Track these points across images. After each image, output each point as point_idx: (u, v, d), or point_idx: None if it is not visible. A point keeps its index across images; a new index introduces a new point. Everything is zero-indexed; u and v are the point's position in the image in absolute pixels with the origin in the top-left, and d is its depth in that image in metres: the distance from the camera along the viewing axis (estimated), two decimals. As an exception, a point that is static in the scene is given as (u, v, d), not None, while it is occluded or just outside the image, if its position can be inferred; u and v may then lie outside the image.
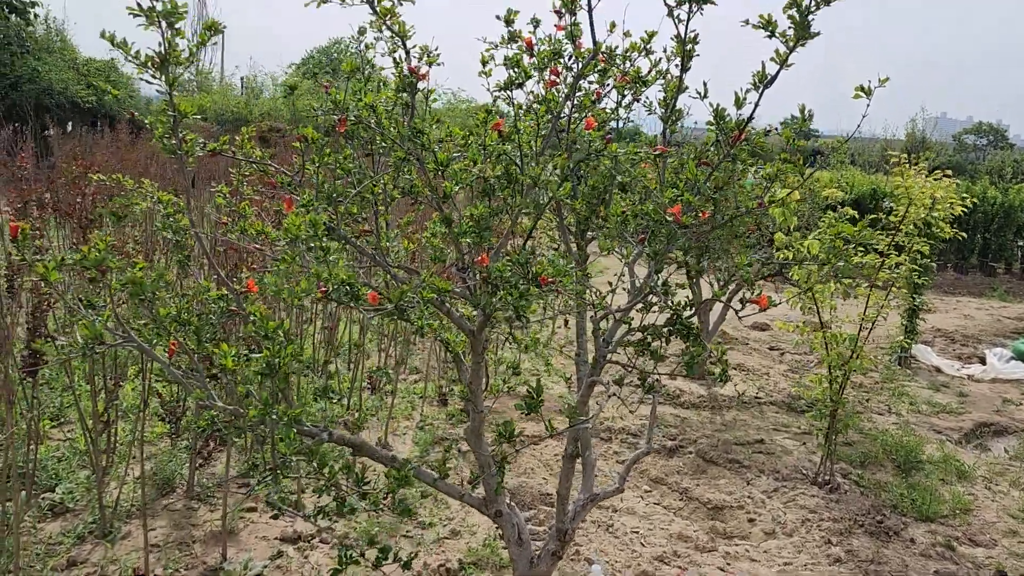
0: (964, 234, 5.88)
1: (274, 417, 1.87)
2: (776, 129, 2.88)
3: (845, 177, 14.70)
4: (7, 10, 18.29)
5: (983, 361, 8.84)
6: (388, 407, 5.51)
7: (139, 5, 2.16)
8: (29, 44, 18.74)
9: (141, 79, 2.29)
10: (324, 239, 1.98)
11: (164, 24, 2.18)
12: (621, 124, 3.41)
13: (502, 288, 2.04)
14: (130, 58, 2.21)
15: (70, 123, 17.70)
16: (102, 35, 2.09)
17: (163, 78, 2.22)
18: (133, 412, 5.09)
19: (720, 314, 7.39)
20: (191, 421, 4.52)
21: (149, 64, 2.19)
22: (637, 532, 4.33)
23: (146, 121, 2.46)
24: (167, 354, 2.28)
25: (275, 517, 4.08)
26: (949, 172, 5.15)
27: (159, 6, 2.16)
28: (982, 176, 22.30)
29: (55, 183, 6.62)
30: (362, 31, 2.89)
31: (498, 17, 2.66)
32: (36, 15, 19.53)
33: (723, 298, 2.93)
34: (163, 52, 2.21)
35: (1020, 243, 15.59)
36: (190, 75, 36.12)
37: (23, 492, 3.74)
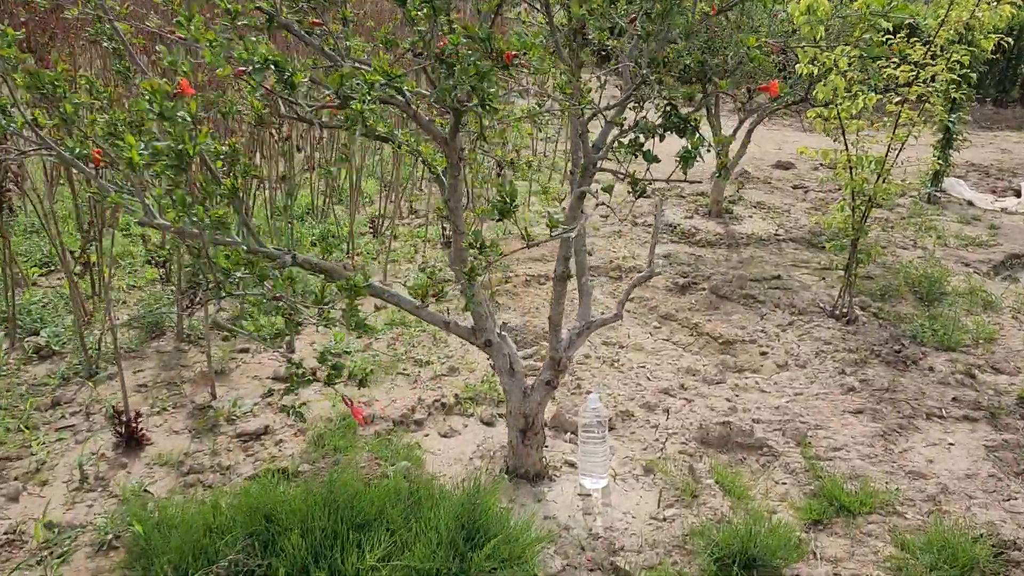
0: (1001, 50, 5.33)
1: (195, 219, 1.63)
2: None
3: None
4: None
5: (1019, 194, 8.40)
6: (388, 250, 5.32)
7: None
8: None
9: None
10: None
11: None
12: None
13: (458, 66, 1.73)
14: None
15: None
16: None
17: None
18: (123, 258, 4.95)
19: (739, 151, 6.98)
20: (182, 267, 4.35)
21: None
22: (644, 367, 4.18)
23: None
24: (93, 163, 2.03)
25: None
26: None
27: None
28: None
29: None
30: None
31: None
32: None
33: (742, 115, 2.60)
34: None
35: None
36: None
37: (2, 334, 3.63)
